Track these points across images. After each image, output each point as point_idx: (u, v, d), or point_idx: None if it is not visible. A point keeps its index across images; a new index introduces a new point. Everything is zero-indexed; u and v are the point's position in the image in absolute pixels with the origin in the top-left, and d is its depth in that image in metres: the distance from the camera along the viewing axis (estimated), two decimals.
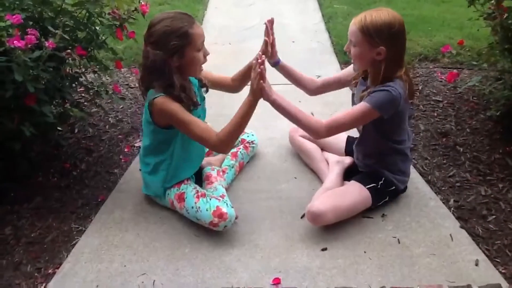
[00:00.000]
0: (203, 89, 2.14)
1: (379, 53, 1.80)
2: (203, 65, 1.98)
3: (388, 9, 1.82)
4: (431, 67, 3.64)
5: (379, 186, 1.99)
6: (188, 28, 1.83)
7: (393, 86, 1.79)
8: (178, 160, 2.01)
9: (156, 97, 1.83)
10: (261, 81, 1.78)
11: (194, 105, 1.92)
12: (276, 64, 2.14)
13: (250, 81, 1.83)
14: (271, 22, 2.00)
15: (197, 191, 1.98)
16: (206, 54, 1.95)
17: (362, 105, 1.82)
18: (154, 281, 1.71)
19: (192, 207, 1.93)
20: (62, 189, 2.29)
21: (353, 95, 2.07)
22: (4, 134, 1.99)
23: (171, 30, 1.81)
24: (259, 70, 1.76)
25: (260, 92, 1.81)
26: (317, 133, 1.90)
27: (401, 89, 1.80)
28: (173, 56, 1.82)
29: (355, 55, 1.86)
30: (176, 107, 1.83)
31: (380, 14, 1.78)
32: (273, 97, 1.85)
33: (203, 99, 2.14)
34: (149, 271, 1.76)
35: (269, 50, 2.02)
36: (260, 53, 1.88)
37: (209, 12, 5.37)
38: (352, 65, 2.10)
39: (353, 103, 2.06)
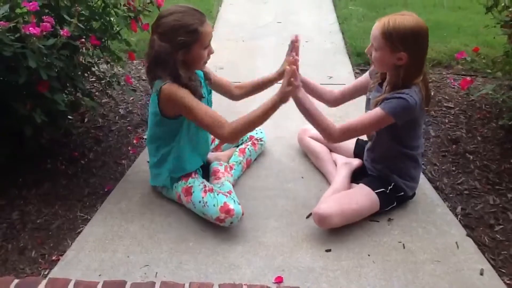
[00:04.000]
0: (207, 82, 2.13)
1: (400, 59, 1.77)
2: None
3: (412, 14, 1.78)
4: (444, 73, 3.61)
5: (388, 191, 1.97)
6: (198, 25, 1.81)
7: (409, 93, 1.77)
8: (185, 151, 2.01)
9: (164, 84, 1.82)
10: (292, 88, 1.77)
11: (199, 96, 1.90)
12: None
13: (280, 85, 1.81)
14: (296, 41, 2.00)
15: (205, 186, 1.98)
16: (210, 52, 1.93)
17: (377, 111, 1.81)
18: (156, 273, 1.71)
19: (199, 202, 1.93)
20: (69, 177, 2.30)
21: (368, 100, 2.05)
22: (17, 120, 2.01)
23: (180, 25, 1.80)
24: (292, 79, 1.75)
25: (288, 99, 1.81)
26: (330, 136, 1.89)
27: (417, 97, 1.78)
28: (178, 51, 1.81)
29: (376, 58, 1.84)
30: (184, 93, 1.82)
31: (404, 19, 1.75)
32: (299, 94, 1.85)
33: (210, 92, 2.13)
34: (152, 263, 1.76)
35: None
36: (292, 57, 1.87)
37: (224, 8, 5.37)
38: (367, 72, 2.09)
39: (367, 108, 2.04)
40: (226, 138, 1.87)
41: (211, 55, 1.95)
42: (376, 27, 1.80)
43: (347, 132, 1.87)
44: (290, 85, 1.77)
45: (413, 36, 1.75)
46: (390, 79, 1.87)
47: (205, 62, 1.94)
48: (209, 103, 2.11)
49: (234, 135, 1.84)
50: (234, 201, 1.90)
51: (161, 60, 1.82)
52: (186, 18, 1.80)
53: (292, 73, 1.76)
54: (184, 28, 1.79)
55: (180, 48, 1.80)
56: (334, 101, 2.24)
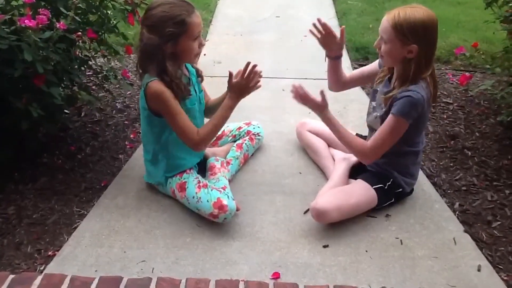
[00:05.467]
0: (199, 79, 2.11)
1: (411, 51, 1.75)
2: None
3: (422, 6, 1.77)
4: (443, 68, 3.60)
5: (386, 187, 1.97)
6: (186, 16, 1.79)
7: (414, 89, 1.76)
8: (176, 149, 2.00)
9: (151, 81, 1.82)
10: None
11: (184, 93, 1.89)
12: (338, 57, 2.15)
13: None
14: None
15: (199, 181, 1.97)
16: (201, 44, 1.91)
17: (390, 119, 1.81)
18: (153, 268, 1.70)
19: (193, 197, 1.92)
20: (66, 172, 2.29)
21: (375, 91, 2.03)
22: (13, 114, 1.99)
23: (168, 16, 1.78)
24: (254, 70, 1.85)
25: (244, 92, 1.89)
26: (366, 156, 1.91)
27: (423, 92, 1.77)
28: (167, 43, 1.80)
29: (385, 52, 1.81)
30: (168, 95, 1.82)
31: (415, 11, 1.74)
32: (326, 113, 1.92)
33: (201, 90, 2.11)
34: (149, 258, 1.75)
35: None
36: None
37: (222, 1, 5.34)
38: (376, 61, 2.08)
39: (373, 99, 2.03)
40: (196, 146, 1.92)
41: (202, 48, 1.93)
42: (386, 19, 1.77)
43: (378, 149, 1.86)
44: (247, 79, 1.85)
45: (424, 28, 1.73)
46: (399, 73, 1.85)
47: (197, 55, 1.92)
48: (201, 100, 2.10)
49: (204, 142, 1.91)
50: (228, 196, 1.89)
51: (150, 53, 1.81)
52: (174, 9, 1.79)
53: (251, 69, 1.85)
54: (172, 19, 1.78)
55: (168, 40, 1.79)
56: (343, 84, 2.21)
